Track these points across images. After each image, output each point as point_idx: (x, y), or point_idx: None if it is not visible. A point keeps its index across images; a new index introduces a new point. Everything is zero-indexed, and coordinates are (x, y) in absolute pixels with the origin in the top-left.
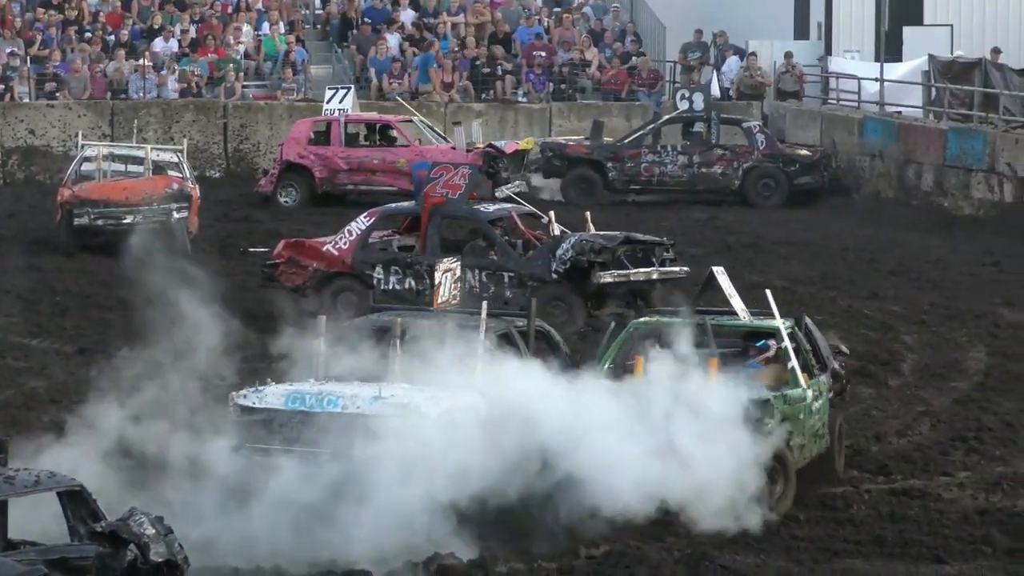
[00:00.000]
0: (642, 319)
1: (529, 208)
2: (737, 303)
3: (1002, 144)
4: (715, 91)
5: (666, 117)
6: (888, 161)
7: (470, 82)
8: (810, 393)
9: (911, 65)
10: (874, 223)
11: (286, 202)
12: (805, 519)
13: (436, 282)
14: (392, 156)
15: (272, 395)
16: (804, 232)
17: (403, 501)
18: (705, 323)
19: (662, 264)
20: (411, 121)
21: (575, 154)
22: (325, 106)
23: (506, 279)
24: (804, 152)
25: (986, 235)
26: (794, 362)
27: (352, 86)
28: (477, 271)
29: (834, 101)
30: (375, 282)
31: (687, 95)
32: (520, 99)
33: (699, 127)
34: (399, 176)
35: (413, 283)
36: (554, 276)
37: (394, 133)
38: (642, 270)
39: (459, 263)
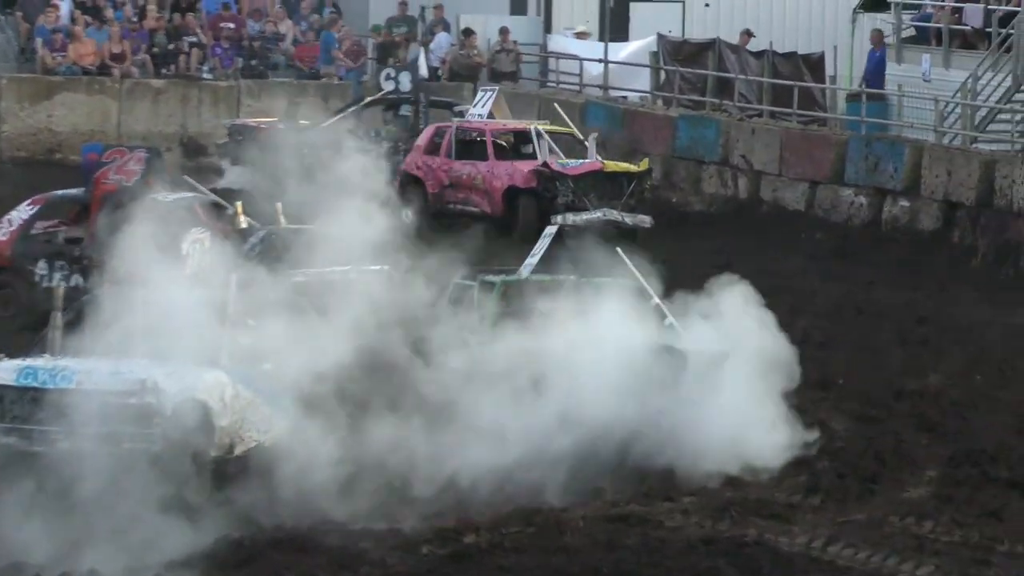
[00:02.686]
0: (506, 278)
1: (213, 197)
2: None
3: (736, 134)
4: (423, 71)
5: (369, 99)
6: (612, 150)
7: (149, 56)
8: None
9: (638, 45)
10: None
11: (406, 218)
12: (512, 546)
13: (184, 253)
14: (475, 171)
15: (3, 370)
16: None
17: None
18: (577, 280)
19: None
20: (532, 129)
21: (266, 138)
22: (471, 110)
23: None
24: None
25: (718, 233)
26: (672, 318)
27: (497, 88)
28: None
29: (553, 84)
30: (37, 278)
31: (392, 74)
32: (205, 75)
33: (406, 110)
34: (483, 196)
35: (81, 280)
36: None
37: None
38: (339, 268)
39: (209, 234)
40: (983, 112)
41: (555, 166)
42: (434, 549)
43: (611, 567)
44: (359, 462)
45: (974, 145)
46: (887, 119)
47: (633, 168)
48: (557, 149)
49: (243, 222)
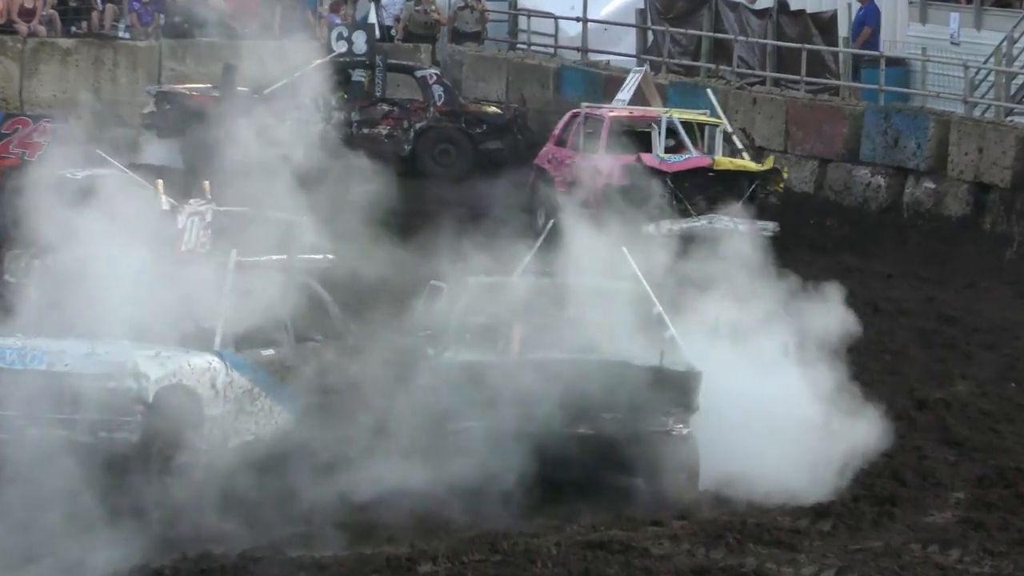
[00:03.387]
0: (479, 279)
1: (131, 176)
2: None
3: (735, 104)
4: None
5: (318, 61)
6: None
7: (56, 11)
8: None
9: (622, 2)
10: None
11: (541, 221)
12: None
13: (180, 226)
14: (587, 165)
15: None
16: (489, 207)
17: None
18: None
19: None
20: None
21: (199, 108)
22: (618, 95)
23: None
24: (493, 109)
25: None
26: (673, 330)
27: (645, 67)
28: None
29: (524, 45)
30: None
31: (345, 34)
32: (121, 34)
33: (359, 75)
34: (592, 194)
35: None
36: None
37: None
38: (276, 257)
39: (210, 205)
40: (1020, 80)
41: (651, 161)
42: None
43: None
44: (294, 476)
45: (1009, 118)
46: (909, 88)
47: (753, 166)
48: (688, 142)
49: (165, 203)
